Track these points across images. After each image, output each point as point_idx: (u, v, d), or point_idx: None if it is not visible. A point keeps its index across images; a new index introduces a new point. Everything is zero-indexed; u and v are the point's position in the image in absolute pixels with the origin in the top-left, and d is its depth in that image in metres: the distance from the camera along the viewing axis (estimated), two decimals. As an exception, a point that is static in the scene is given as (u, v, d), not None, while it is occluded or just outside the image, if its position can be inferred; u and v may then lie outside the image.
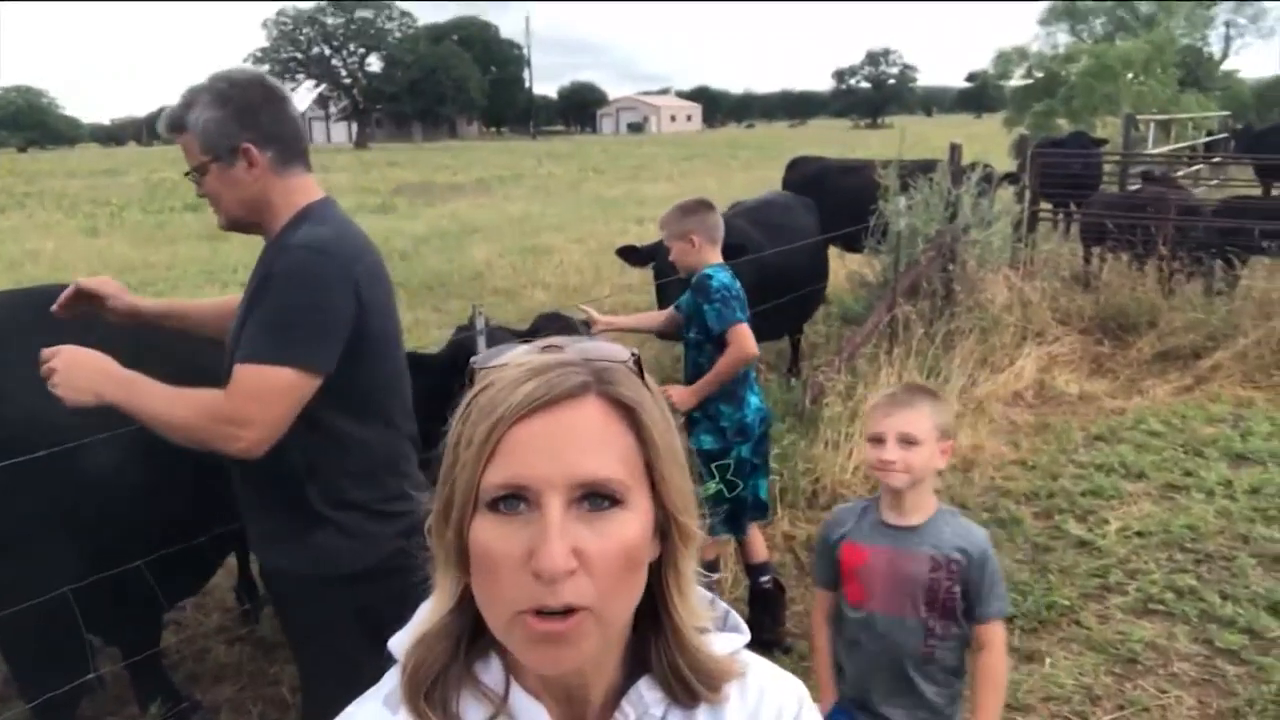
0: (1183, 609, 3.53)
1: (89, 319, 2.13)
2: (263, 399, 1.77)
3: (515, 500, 0.75)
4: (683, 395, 3.22)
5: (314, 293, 1.82)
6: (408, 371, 2.14)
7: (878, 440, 2.04)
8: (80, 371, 1.78)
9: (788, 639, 3.45)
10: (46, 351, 1.79)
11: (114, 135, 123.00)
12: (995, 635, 2.07)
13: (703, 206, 3.37)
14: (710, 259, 3.32)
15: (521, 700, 0.81)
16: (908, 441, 2.01)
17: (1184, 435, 5.31)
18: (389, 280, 2.05)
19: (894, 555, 2.05)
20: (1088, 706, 3.04)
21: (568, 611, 0.73)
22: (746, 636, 0.91)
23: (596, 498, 0.75)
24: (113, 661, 3.31)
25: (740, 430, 3.35)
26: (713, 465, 3.26)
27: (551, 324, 3.31)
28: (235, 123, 1.89)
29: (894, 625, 2.05)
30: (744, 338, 3.18)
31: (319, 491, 1.92)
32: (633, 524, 0.77)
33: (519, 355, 0.80)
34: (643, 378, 0.82)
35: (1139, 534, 4.15)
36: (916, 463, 2.01)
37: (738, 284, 3.31)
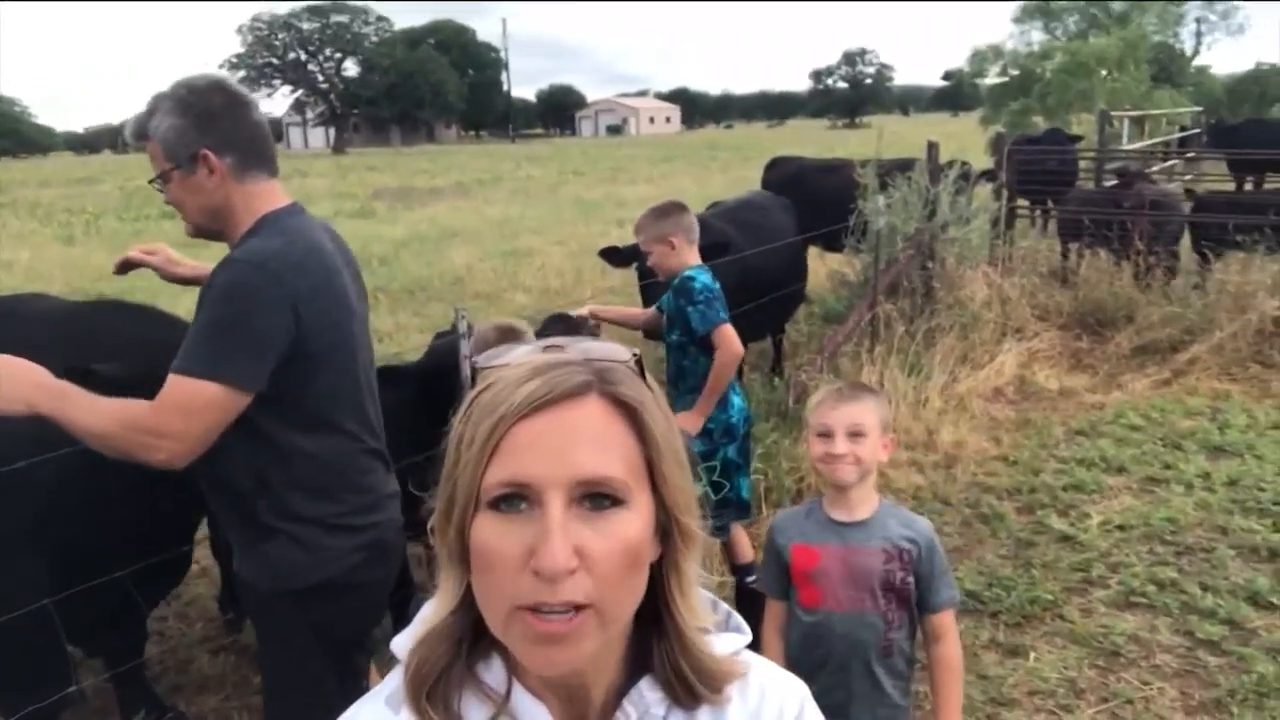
0: (1164, 601, 3.57)
1: None
2: (187, 412, 1.76)
3: (517, 499, 0.75)
4: (689, 420, 3.19)
5: (246, 308, 1.80)
6: (372, 381, 2.12)
7: (825, 435, 2.06)
8: (13, 381, 1.76)
9: (774, 638, 3.45)
10: None
11: (88, 143, 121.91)
12: (948, 624, 2.10)
13: (677, 208, 3.37)
14: (690, 260, 3.32)
15: (523, 700, 0.81)
16: (856, 434, 2.03)
17: (1163, 429, 5.36)
18: (345, 290, 2.01)
19: (847, 552, 2.07)
20: (1072, 700, 3.06)
21: (568, 610, 0.73)
22: (748, 637, 0.91)
23: (598, 497, 0.75)
24: (94, 673, 3.29)
25: (726, 431, 3.35)
26: (699, 467, 3.26)
27: (557, 325, 3.31)
28: (195, 130, 1.88)
29: (853, 622, 2.05)
30: (730, 338, 3.19)
31: (268, 504, 1.92)
32: (634, 523, 0.77)
33: (521, 355, 0.80)
34: (644, 377, 0.82)
35: (1120, 527, 4.18)
36: (865, 455, 2.04)
37: (718, 284, 3.32)
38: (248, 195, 1.94)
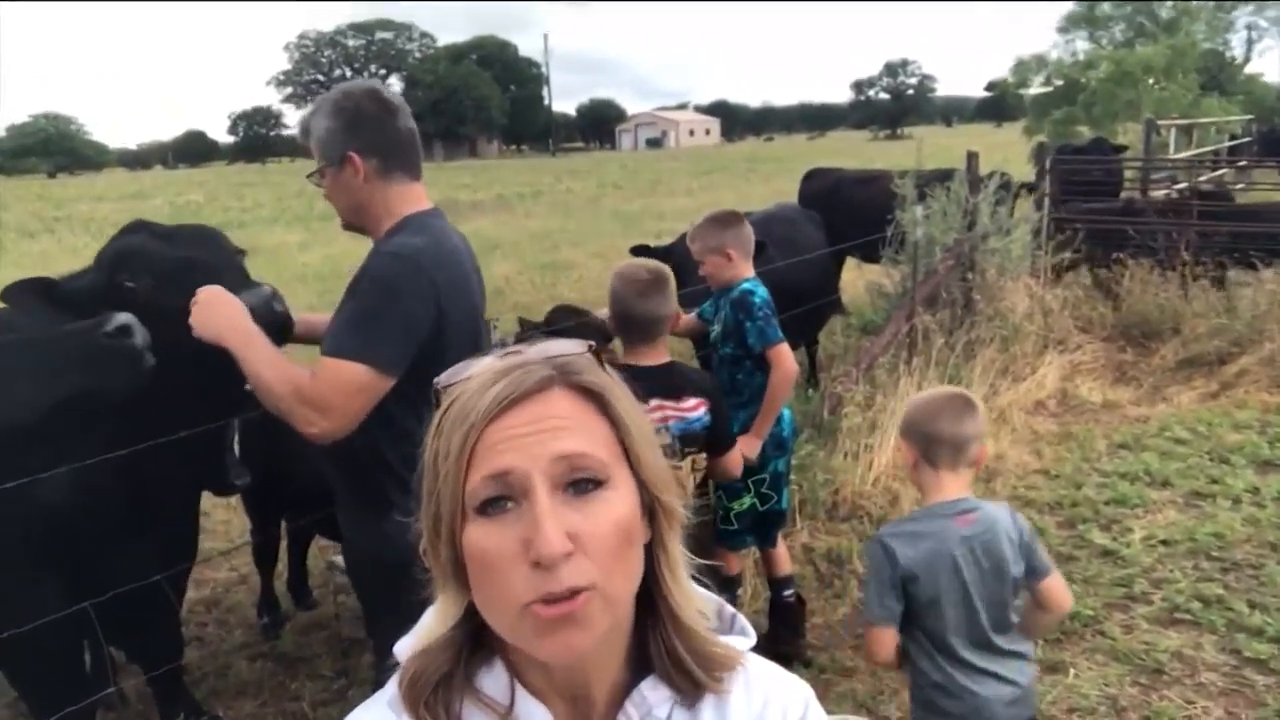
0: (1210, 618, 3.48)
1: None
2: (343, 393, 1.88)
3: (503, 500, 0.76)
4: (748, 444, 3.11)
5: (394, 298, 1.92)
6: None
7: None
8: (211, 312, 1.98)
9: (809, 652, 3.42)
10: (202, 289, 2.01)
11: (140, 159, 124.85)
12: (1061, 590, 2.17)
13: (735, 219, 3.29)
14: (745, 273, 3.25)
15: (527, 705, 0.82)
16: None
17: (1209, 442, 5.24)
18: (474, 294, 2.16)
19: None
20: (1113, 718, 2.99)
21: (573, 593, 0.73)
22: (752, 639, 0.91)
23: (581, 482, 0.76)
24: (133, 676, 3.35)
25: (778, 444, 3.32)
26: (749, 480, 3.22)
27: (565, 316, 3.32)
28: (344, 133, 2.03)
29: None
30: (786, 357, 3.15)
31: (394, 483, 2.01)
32: (620, 502, 0.78)
33: (481, 366, 0.82)
34: (603, 366, 0.84)
35: (1164, 542, 4.09)
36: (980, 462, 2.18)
37: (770, 299, 3.28)
38: (391, 196, 2.07)
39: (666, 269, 2.90)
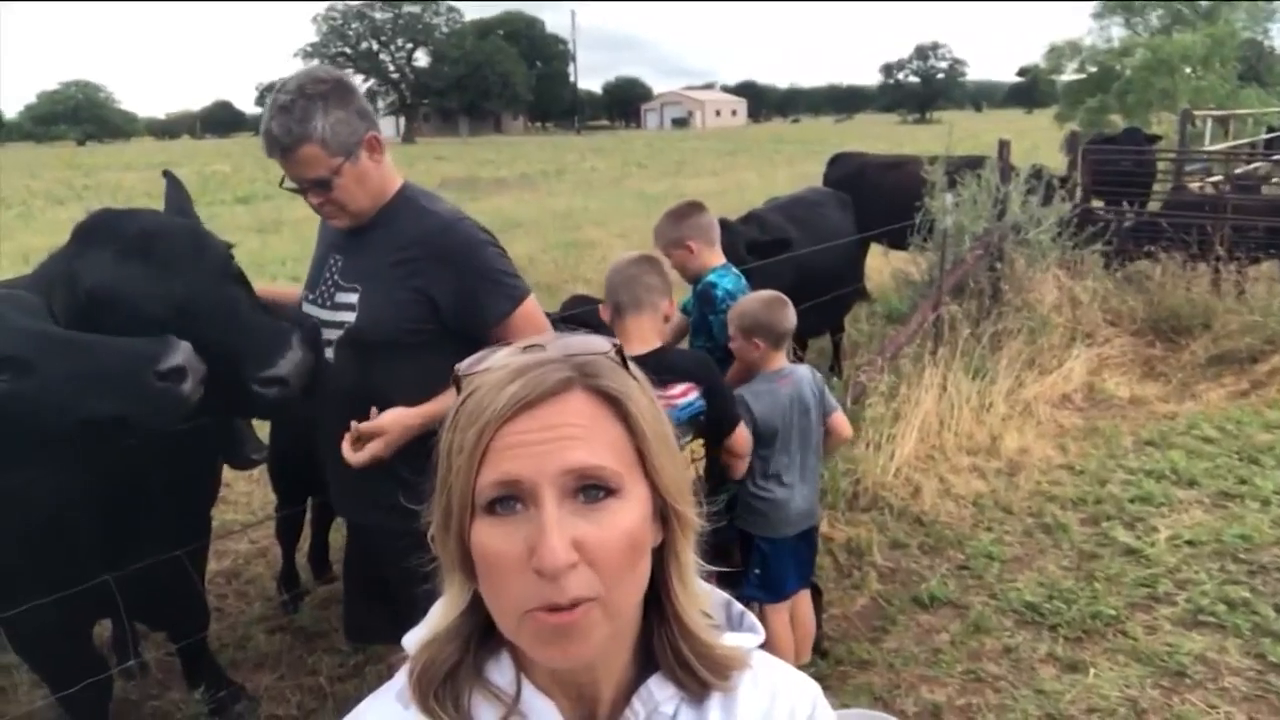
0: (1235, 621, 3.43)
1: None
2: (543, 321, 2.10)
3: (511, 501, 0.75)
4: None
5: (495, 243, 2.11)
6: None
7: None
8: (403, 431, 1.99)
9: (825, 642, 3.41)
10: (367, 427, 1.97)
11: (168, 129, 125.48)
12: None
13: (694, 209, 3.28)
14: (711, 262, 3.23)
15: (533, 699, 0.82)
16: None
17: (1239, 441, 5.16)
18: None
19: None
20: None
21: (576, 604, 0.73)
22: (761, 636, 0.91)
23: (592, 489, 0.76)
24: (156, 647, 3.39)
25: None
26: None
27: (580, 304, 3.30)
28: (357, 118, 1.99)
29: None
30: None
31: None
32: (631, 512, 0.77)
33: (501, 358, 0.81)
34: (627, 367, 0.82)
35: (1190, 543, 4.03)
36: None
37: (743, 283, 3.24)
38: (387, 167, 2.10)
39: (656, 255, 2.98)
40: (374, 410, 2.01)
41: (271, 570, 4.01)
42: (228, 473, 4.41)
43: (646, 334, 2.61)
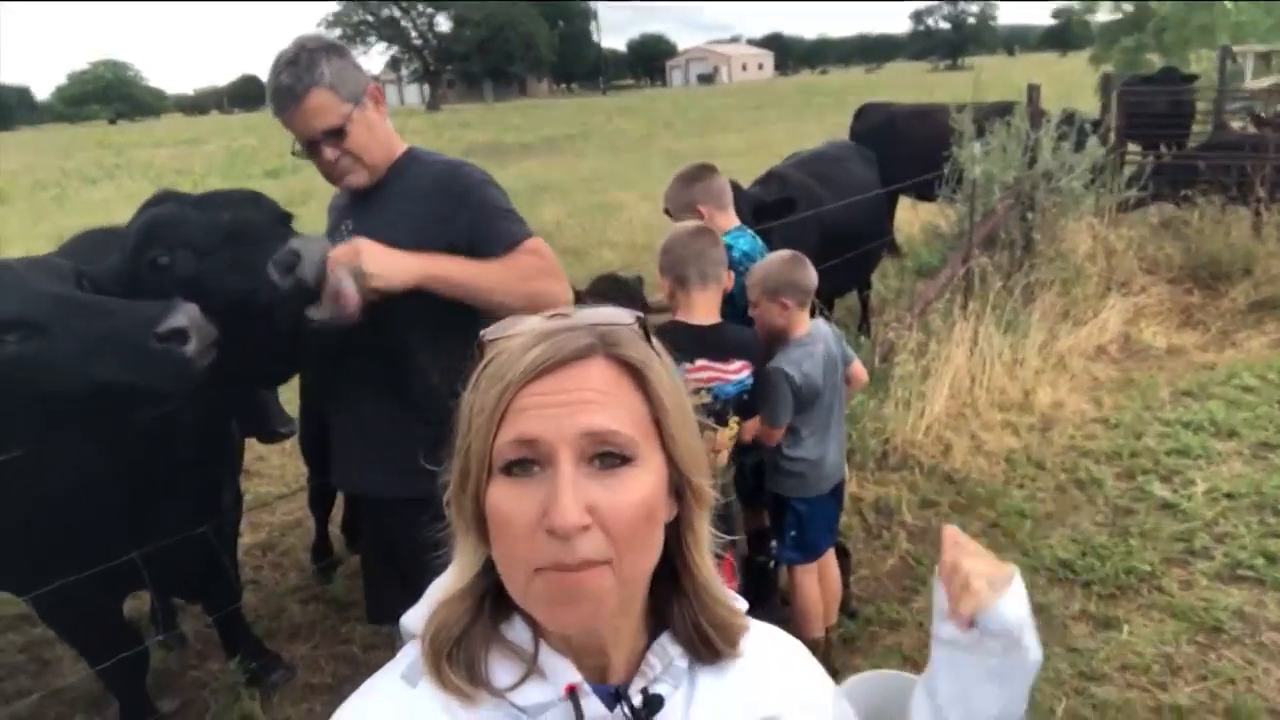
0: (1274, 575, 3.35)
1: None
2: (551, 258, 2.06)
3: (528, 463, 0.76)
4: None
5: (497, 187, 2.13)
6: None
7: None
8: (389, 257, 1.89)
9: (854, 603, 3.39)
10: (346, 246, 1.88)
11: (197, 105, 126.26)
12: None
13: (705, 171, 3.21)
14: (724, 225, 3.16)
15: (549, 657, 0.82)
16: None
17: (1280, 390, 5.04)
18: None
19: None
20: (1167, 676, 2.92)
21: (586, 565, 0.73)
22: (744, 605, 0.93)
23: (608, 456, 0.76)
24: (195, 619, 3.46)
25: None
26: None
27: (606, 284, 3.26)
28: (355, 66, 2.04)
29: None
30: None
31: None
32: (646, 480, 0.78)
33: (526, 325, 0.82)
34: (649, 339, 0.83)
35: (1228, 496, 3.95)
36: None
37: (759, 244, 3.18)
38: (389, 125, 2.14)
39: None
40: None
41: (305, 542, 4.07)
42: (261, 446, 4.49)
43: (711, 307, 2.62)
